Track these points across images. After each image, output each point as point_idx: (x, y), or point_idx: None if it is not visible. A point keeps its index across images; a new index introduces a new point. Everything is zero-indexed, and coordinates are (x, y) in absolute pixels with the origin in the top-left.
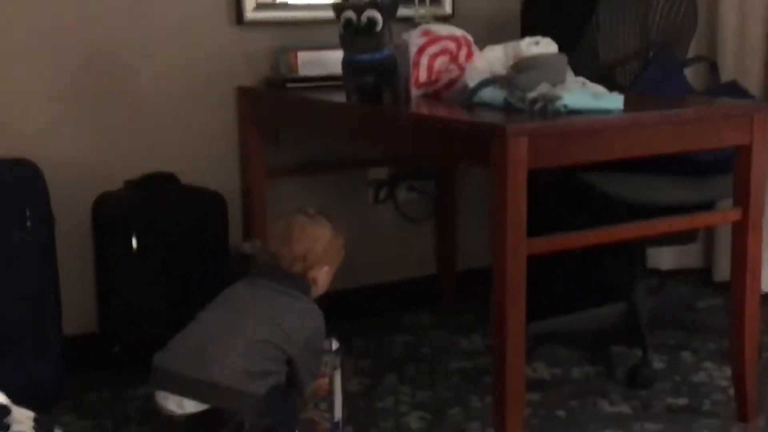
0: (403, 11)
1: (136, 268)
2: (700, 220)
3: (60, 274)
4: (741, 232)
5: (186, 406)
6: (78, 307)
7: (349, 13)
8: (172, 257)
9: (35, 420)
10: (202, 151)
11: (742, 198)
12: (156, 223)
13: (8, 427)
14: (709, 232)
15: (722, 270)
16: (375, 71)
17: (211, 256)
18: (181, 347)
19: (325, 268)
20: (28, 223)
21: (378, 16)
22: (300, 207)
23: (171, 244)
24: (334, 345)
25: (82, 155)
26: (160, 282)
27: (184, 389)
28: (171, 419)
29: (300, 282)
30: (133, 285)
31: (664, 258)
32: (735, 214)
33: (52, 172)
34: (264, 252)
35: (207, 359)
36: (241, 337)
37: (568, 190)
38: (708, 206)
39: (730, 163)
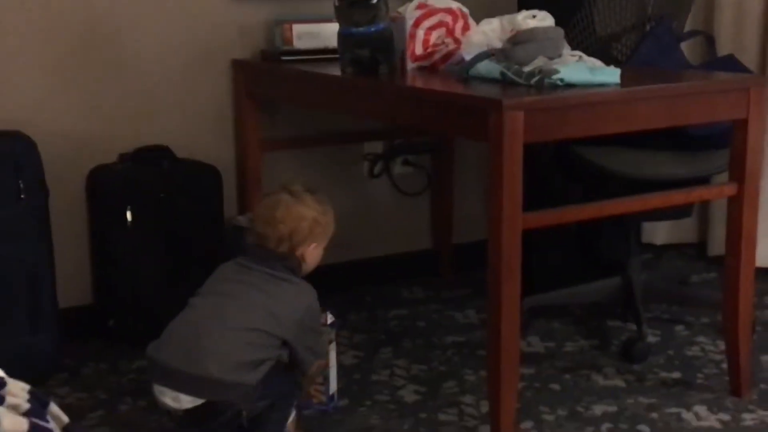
0: None
1: (131, 241)
2: (695, 194)
3: (55, 247)
4: (736, 206)
5: (182, 401)
6: (73, 279)
7: None
8: (167, 230)
9: (30, 392)
10: (196, 124)
11: (738, 173)
12: (151, 196)
13: (3, 399)
14: (704, 207)
15: (717, 244)
16: (371, 44)
17: (206, 229)
18: (175, 340)
19: (313, 245)
20: (23, 195)
21: None
22: (285, 183)
23: (166, 216)
24: (329, 319)
25: (76, 128)
26: (155, 255)
27: (179, 385)
28: (169, 413)
29: (288, 261)
30: (128, 258)
31: (659, 232)
32: (731, 189)
33: (47, 145)
34: (251, 233)
35: (200, 353)
36: (234, 327)
37: (564, 164)
38: (704, 181)
39: (727, 138)
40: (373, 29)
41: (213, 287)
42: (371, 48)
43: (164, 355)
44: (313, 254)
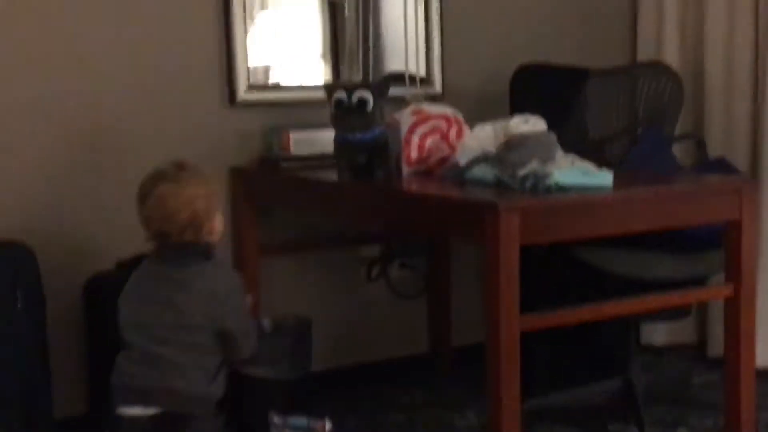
0: (394, 91)
1: None
2: (692, 295)
3: (51, 355)
4: (734, 307)
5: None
6: (69, 389)
7: (341, 94)
8: None
9: None
10: None
11: (734, 273)
12: None
13: None
14: (703, 307)
15: (716, 345)
16: (367, 150)
17: None
18: (134, 363)
19: (217, 216)
20: (19, 305)
21: (369, 96)
22: (153, 173)
23: None
24: (327, 425)
25: (74, 235)
26: None
27: (148, 399)
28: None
29: (199, 247)
30: None
31: (658, 333)
32: (727, 290)
33: (45, 253)
34: (147, 235)
35: (163, 370)
36: (179, 345)
37: (561, 265)
38: (700, 281)
39: (721, 239)
40: (368, 135)
41: (136, 317)
42: (367, 153)
43: (128, 378)
44: (217, 228)
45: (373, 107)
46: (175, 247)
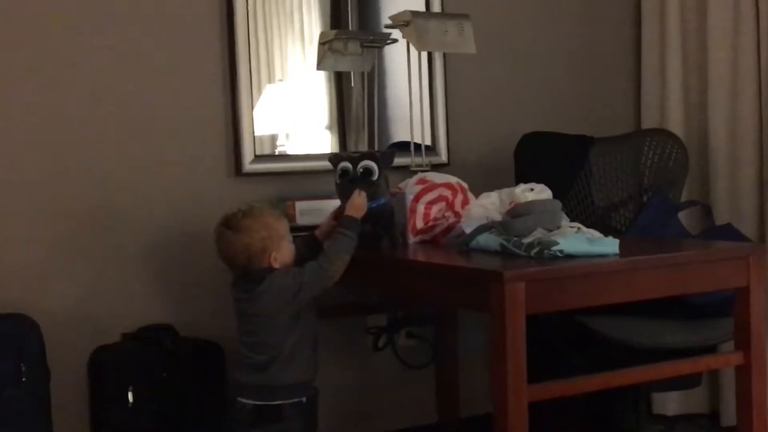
0: (399, 160)
1: (132, 422)
2: (702, 364)
3: (55, 429)
4: (744, 375)
5: None
6: None
7: (345, 164)
8: (170, 410)
9: None
10: (199, 302)
11: (744, 341)
12: (153, 376)
13: None
14: (714, 376)
15: (729, 414)
16: (372, 219)
17: (210, 407)
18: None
19: (272, 254)
20: (24, 379)
21: (374, 165)
22: (224, 217)
23: (168, 396)
24: None
25: (79, 308)
26: None
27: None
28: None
29: (256, 274)
30: None
31: (670, 403)
32: (737, 358)
33: (49, 326)
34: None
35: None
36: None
37: (568, 333)
38: (711, 349)
39: (730, 306)
40: (374, 205)
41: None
42: (372, 222)
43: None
44: (280, 257)
45: (378, 177)
46: (242, 282)
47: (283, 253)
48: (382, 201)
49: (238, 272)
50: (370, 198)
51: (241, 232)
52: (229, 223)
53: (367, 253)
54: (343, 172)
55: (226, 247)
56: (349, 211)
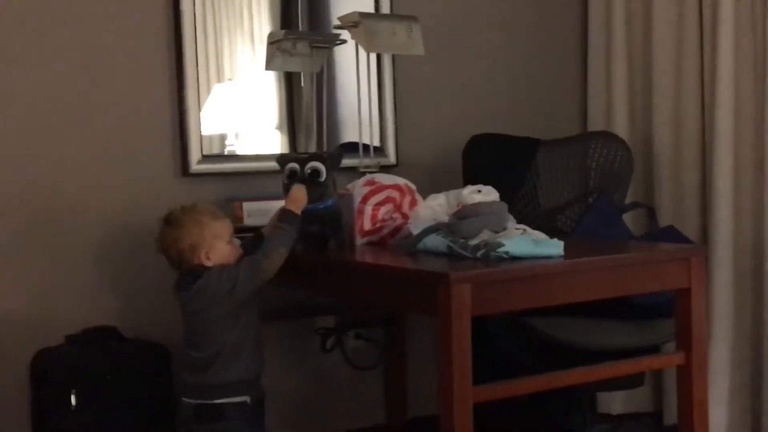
0: (348, 161)
1: (76, 425)
2: (644, 364)
3: None
4: (686, 375)
5: None
6: None
7: (293, 165)
8: (114, 412)
9: None
10: (144, 303)
11: (685, 341)
12: (96, 379)
13: None
14: (658, 376)
15: (672, 413)
16: (319, 220)
17: (155, 410)
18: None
19: (203, 252)
20: None
21: (321, 167)
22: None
23: (112, 399)
24: None
25: (21, 310)
26: None
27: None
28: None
29: (194, 272)
30: None
31: (615, 402)
32: (679, 358)
33: None
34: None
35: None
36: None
37: (514, 334)
38: (654, 349)
39: (673, 307)
40: (321, 206)
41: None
42: (320, 224)
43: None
44: (214, 256)
45: (326, 178)
46: (182, 275)
47: (219, 252)
48: (330, 202)
49: (175, 268)
50: (318, 199)
51: (173, 226)
52: (168, 217)
53: (314, 254)
54: (291, 173)
55: (160, 239)
56: (288, 204)
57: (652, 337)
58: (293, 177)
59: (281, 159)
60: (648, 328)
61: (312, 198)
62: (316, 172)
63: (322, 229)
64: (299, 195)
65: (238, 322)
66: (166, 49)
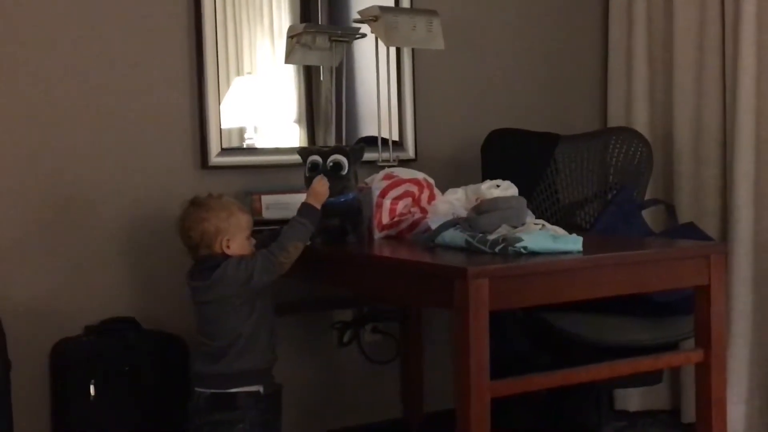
0: (367, 155)
1: (94, 416)
2: (663, 361)
3: (15, 421)
4: (704, 373)
5: None
6: None
7: (315, 158)
8: (132, 403)
9: None
10: (163, 295)
11: (704, 339)
12: (115, 370)
13: None
14: (676, 373)
15: (690, 411)
16: (340, 214)
17: (173, 400)
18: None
19: (226, 239)
20: None
21: (344, 160)
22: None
23: (131, 390)
24: None
25: (41, 300)
26: (119, 430)
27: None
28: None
29: (210, 261)
30: None
31: (632, 399)
32: (697, 356)
33: (11, 318)
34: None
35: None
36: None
37: (531, 330)
38: (672, 346)
39: (692, 303)
40: (342, 199)
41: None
42: (340, 218)
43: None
44: (234, 246)
45: (348, 171)
46: (199, 263)
47: (238, 243)
48: (351, 196)
49: (191, 252)
50: (339, 192)
51: (201, 207)
52: (194, 199)
53: (333, 248)
54: (313, 165)
55: (183, 219)
56: (309, 198)
57: (671, 334)
58: (315, 170)
59: (303, 152)
60: (666, 325)
61: (334, 191)
62: (338, 165)
63: (341, 222)
64: (320, 188)
65: (253, 312)
66: (186, 43)
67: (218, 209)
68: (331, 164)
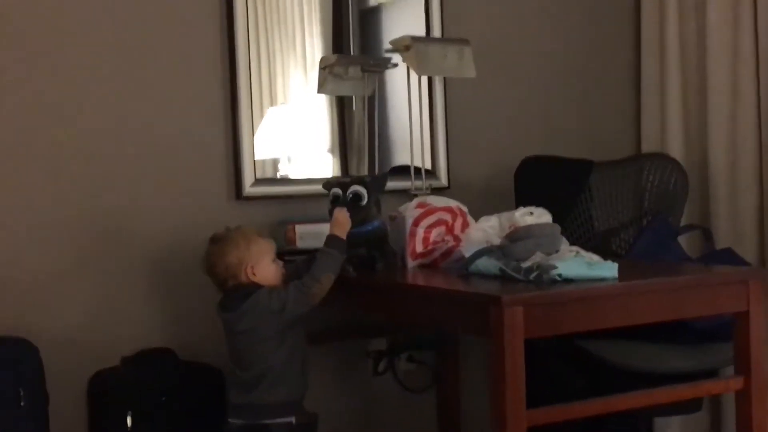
0: (399, 184)
1: None
2: (702, 388)
3: None
4: (745, 400)
5: None
6: None
7: (336, 190)
8: None
9: None
10: (199, 326)
11: (744, 366)
12: (151, 400)
13: None
14: (716, 401)
15: None
16: (364, 243)
17: (209, 431)
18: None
19: (250, 266)
20: (22, 403)
21: (363, 191)
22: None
23: (167, 420)
24: None
25: (78, 331)
26: None
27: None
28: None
29: (240, 290)
30: None
31: (672, 428)
32: (737, 383)
33: (49, 350)
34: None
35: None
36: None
37: (567, 357)
38: (711, 374)
39: (731, 330)
40: (364, 229)
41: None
42: (366, 247)
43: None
44: (260, 272)
45: (368, 201)
46: (229, 295)
47: (263, 268)
48: (375, 224)
49: (222, 287)
50: (361, 222)
51: (220, 242)
52: (213, 237)
53: (365, 277)
54: (335, 197)
55: (207, 258)
56: (333, 229)
57: (710, 360)
58: (336, 201)
59: (327, 184)
60: (705, 351)
61: (355, 221)
62: (357, 197)
63: (368, 251)
64: (341, 218)
65: (284, 343)
66: (221, 74)
67: (237, 240)
68: (350, 195)
